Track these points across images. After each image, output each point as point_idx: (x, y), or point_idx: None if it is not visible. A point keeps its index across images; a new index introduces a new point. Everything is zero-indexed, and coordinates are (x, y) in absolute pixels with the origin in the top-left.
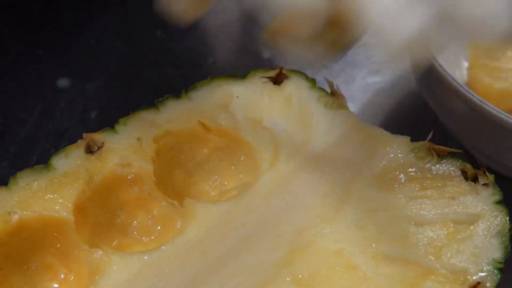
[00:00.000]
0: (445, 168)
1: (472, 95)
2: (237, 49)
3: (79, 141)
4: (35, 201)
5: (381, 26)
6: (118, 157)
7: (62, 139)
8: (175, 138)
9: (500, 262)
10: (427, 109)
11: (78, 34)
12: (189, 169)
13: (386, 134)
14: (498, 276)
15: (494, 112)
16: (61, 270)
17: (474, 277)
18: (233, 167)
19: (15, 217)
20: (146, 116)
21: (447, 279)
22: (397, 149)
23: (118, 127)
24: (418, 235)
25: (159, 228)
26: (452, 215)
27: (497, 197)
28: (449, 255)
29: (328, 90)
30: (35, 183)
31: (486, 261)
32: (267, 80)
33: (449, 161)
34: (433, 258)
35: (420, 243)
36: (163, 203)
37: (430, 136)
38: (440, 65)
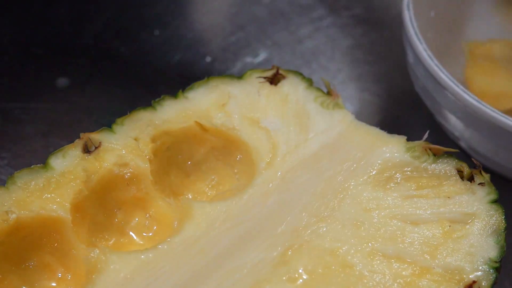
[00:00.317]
0: (441, 167)
1: (468, 95)
2: (233, 48)
3: (76, 140)
4: (32, 201)
5: None
6: (116, 157)
7: (61, 139)
8: (172, 138)
9: (495, 261)
10: (424, 109)
11: (77, 34)
12: (186, 168)
13: (382, 134)
14: (494, 275)
15: (490, 112)
16: (58, 269)
17: (469, 276)
18: (230, 167)
19: (13, 217)
20: (143, 116)
21: (442, 278)
22: (393, 148)
23: (115, 127)
24: (414, 234)
25: (155, 227)
26: (448, 214)
27: (493, 196)
28: (444, 254)
29: (325, 90)
30: (33, 183)
31: (482, 260)
32: (263, 80)
33: (445, 161)
34: (428, 257)
35: (416, 242)
36: (160, 203)
37: (426, 135)
38: (437, 65)
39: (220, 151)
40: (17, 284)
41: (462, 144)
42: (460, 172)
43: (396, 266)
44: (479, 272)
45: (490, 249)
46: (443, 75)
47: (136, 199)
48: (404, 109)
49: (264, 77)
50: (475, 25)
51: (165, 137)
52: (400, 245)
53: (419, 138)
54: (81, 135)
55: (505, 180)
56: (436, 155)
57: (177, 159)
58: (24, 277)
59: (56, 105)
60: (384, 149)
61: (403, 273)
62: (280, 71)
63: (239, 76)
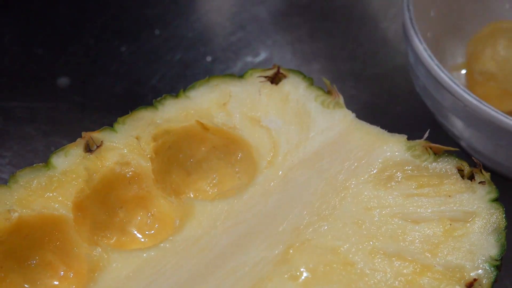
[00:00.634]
0: (441, 166)
1: (469, 95)
2: (233, 48)
3: (78, 140)
4: (34, 199)
5: None
6: (117, 156)
7: (62, 138)
8: (174, 137)
9: (496, 259)
10: (424, 108)
11: (77, 34)
12: (187, 167)
13: (383, 133)
14: (495, 273)
15: (490, 111)
16: (60, 267)
17: (470, 274)
18: (231, 166)
19: (15, 215)
20: (144, 115)
21: (443, 276)
22: (394, 147)
23: (117, 126)
24: (414, 232)
25: (157, 226)
26: (449, 212)
27: (493, 195)
28: (445, 252)
29: (325, 89)
30: (35, 182)
31: (483, 258)
32: (264, 79)
33: (446, 160)
34: (429, 255)
35: (417, 240)
36: (161, 201)
37: (426, 134)
38: (438, 65)
39: (221, 150)
40: (19, 282)
41: (463, 143)
42: (460, 171)
43: (397, 264)
44: (480, 270)
45: (490, 247)
46: (444, 75)
47: (137, 197)
48: (405, 109)
49: (265, 76)
50: (475, 25)
51: (166, 136)
52: (401, 243)
53: (420, 137)
54: (83, 134)
55: (505, 179)
56: (437, 154)
57: (178, 158)
58: (26, 276)
59: (57, 104)
60: (384, 148)
61: (404, 271)
62: (281, 71)
63: (240, 75)
